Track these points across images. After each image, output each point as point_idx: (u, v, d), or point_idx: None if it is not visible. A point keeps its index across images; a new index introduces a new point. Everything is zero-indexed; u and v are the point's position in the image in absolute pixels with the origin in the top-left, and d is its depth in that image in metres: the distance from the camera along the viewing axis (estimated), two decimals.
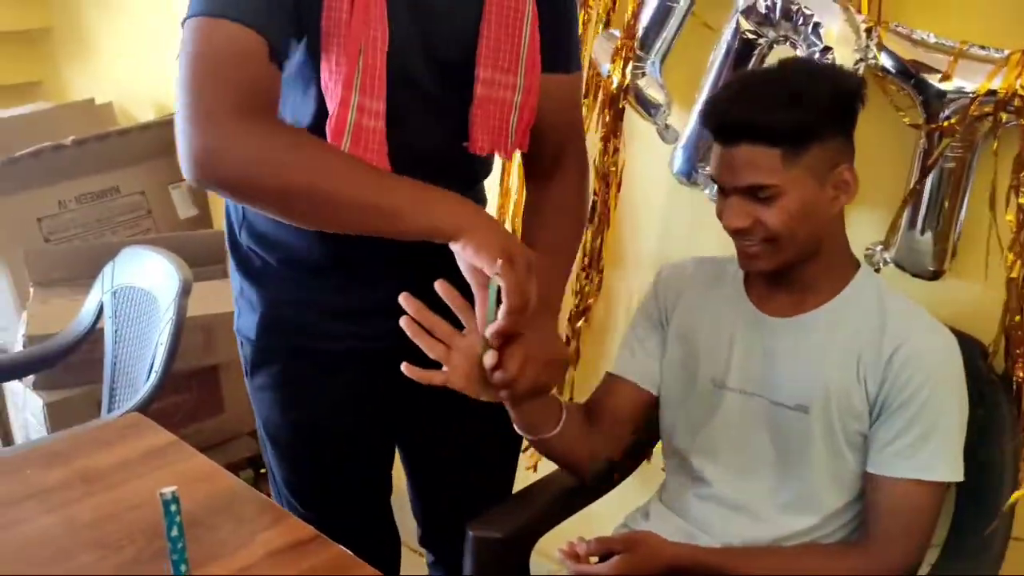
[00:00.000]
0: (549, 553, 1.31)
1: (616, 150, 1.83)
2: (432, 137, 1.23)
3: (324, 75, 1.13)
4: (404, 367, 1.13)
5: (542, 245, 1.27)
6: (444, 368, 1.15)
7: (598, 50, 1.75)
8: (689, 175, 1.66)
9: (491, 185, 1.49)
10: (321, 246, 1.26)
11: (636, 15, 1.65)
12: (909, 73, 1.37)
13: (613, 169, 1.85)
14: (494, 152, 1.26)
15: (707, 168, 1.62)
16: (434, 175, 1.23)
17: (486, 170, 1.40)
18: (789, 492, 1.31)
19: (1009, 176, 1.36)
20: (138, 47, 2.96)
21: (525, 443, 1.62)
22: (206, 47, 1.03)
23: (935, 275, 1.47)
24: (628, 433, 1.43)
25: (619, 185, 1.86)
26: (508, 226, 2.00)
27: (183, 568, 0.98)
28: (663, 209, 1.87)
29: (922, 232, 1.44)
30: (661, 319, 1.42)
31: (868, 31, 1.39)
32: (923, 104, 1.36)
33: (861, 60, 1.38)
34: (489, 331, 1.09)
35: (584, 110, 1.83)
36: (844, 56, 1.37)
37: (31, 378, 2.26)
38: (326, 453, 1.43)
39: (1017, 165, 1.34)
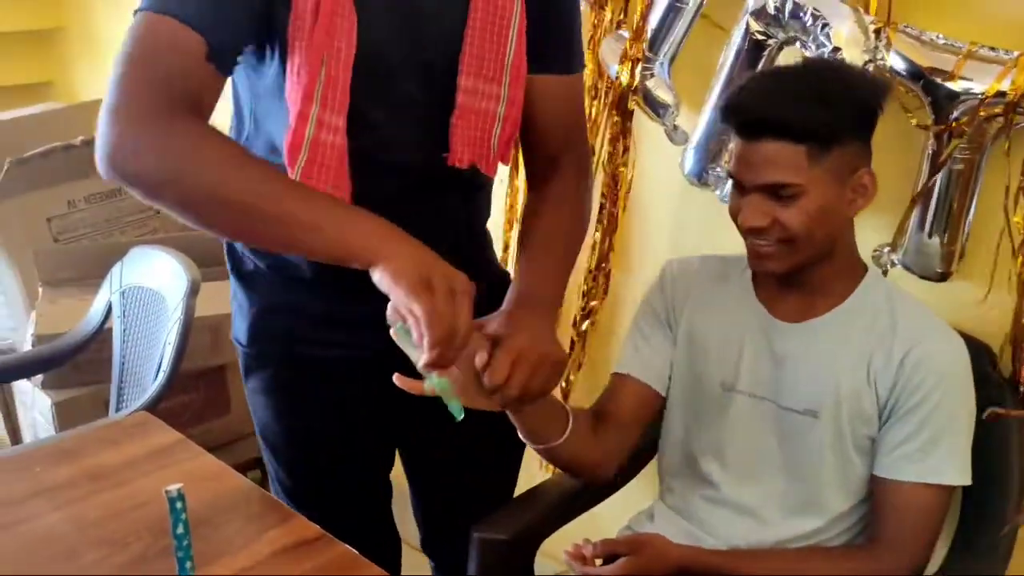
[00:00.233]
0: (553, 554, 1.31)
1: (625, 151, 1.83)
2: (411, 148, 1.20)
3: (287, 85, 1.09)
4: (396, 378, 1.09)
5: (534, 240, 1.24)
6: None
7: (606, 51, 1.75)
8: (700, 176, 1.66)
9: (498, 183, 1.48)
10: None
11: (645, 16, 1.65)
12: (918, 74, 1.36)
13: (622, 170, 1.85)
14: (475, 165, 1.21)
15: (718, 168, 1.62)
16: (416, 188, 1.22)
17: (481, 179, 1.33)
18: (796, 495, 1.31)
19: (1019, 178, 1.36)
20: None
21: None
22: (142, 40, 1.02)
23: (943, 277, 1.46)
24: (637, 435, 1.41)
25: (628, 187, 1.86)
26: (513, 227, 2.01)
27: (188, 565, 0.98)
28: (671, 211, 1.86)
29: (930, 234, 1.44)
30: (668, 317, 1.40)
31: (877, 32, 1.39)
32: (932, 105, 1.36)
33: (870, 61, 1.37)
34: (419, 366, 1.02)
35: (592, 111, 1.84)
36: (853, 57, 1.37)
37: (40, 377, 2.27)
38: (321, 457, 1.42)
39: None
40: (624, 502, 1.54)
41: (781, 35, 1.48)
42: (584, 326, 1.98)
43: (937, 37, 1.36)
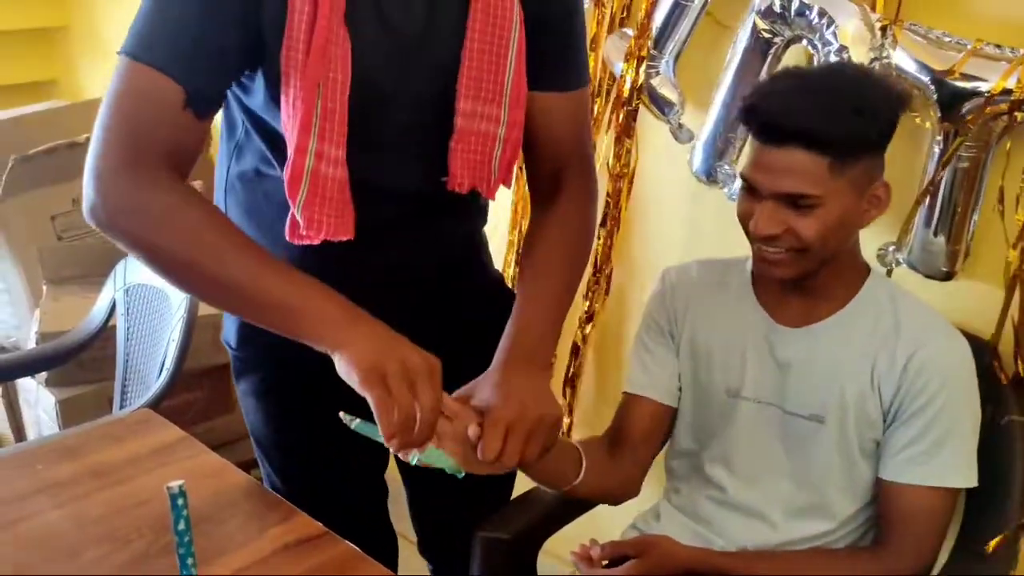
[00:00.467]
0: (557, 554, 1.30)
1: (628, 150, 1.82)
2: (410, 174, 1.18)
3: (283, 116, 1.07)
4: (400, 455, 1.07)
5: (529, 293, 1.21)
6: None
7: (611, 49, 1.75)
8: (709, 174, 1.65)
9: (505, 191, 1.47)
10: (300, 263, 1.15)
11: (649, 14, 1.65)
12: (924, 72, 1.36)
13: (626, 171, 1.84)
14: (475, 188, 1.18)
15: (726, 166, 1.61)
16: (414, 215, 1.20)
17: (480, 201, 1.30)
18: (803, 499, 1.30)
19: (1021, 175, 1.35)
20: None
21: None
22: (122, 91, 1.02)
23: (948, 276, 1.46)
24: (654, 451, 1.40)
25: (631, 186, 1.86)
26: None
27: (190, 562, 0.97)
28: (675, 210, 1.86)
29: (935, 233, 1.43)
30: (670, 328, 1.38)
31: (883, 30, 1.38)
32: (937, 103, 1.35)
33: (876, 59, 1.37)
34: (393, 450, 1.01)
35: (596, 110, 1.83)
36: (859, 55, 1.36)
37: (43, 375, 2.27)
38: (313, 459, 1.40)
39: None
40: (627, 502, 1.53)
41: (787, 33, 1.48)
42: (588, 329, 1.98)
43: (943, 35, 1.36)
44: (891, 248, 1.50)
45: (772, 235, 1.17)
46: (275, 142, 1.14)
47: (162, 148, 1.03)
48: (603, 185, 1.84)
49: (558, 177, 1.26)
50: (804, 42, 1.47)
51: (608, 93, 1.83)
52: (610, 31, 1.78)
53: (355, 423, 1.04)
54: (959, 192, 1.40)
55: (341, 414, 1.05)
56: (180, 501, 0.94)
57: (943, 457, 1.21)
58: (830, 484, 1.28)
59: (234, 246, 1.03)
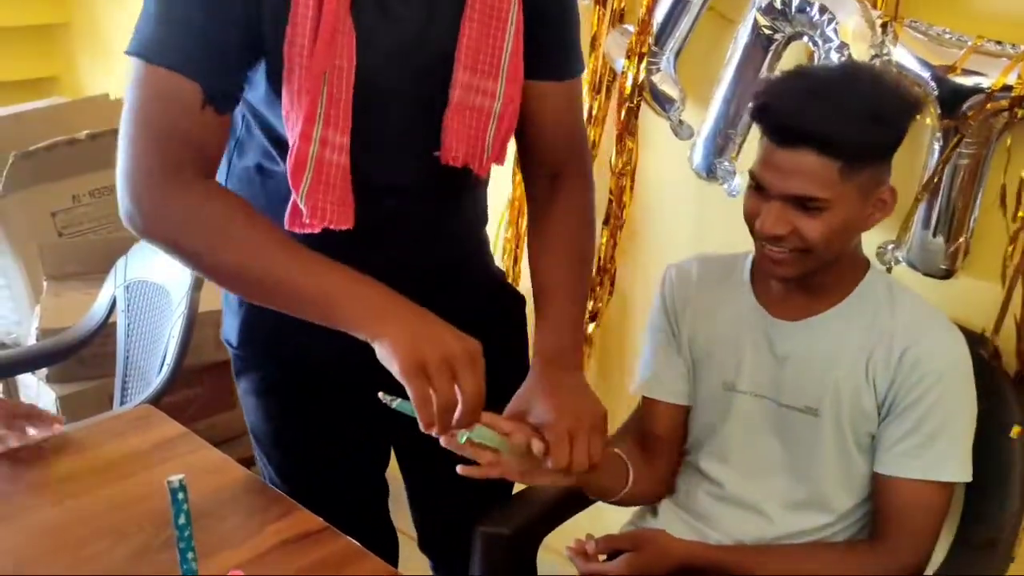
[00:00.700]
0: (557, 550, 1.30)
1: (630, 148, 1.82)
2: (409, 160, 1.18)
3: (285, 104, 1.07)
4: (460, 469, 1.14)
5: (550, 295, 1.24)
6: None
7: (611, 45, 1.75)
8: (709, 170, 1.65)
9: (501, 184, 1.47)
10: None
11: (650, 10, 1.65)
12: (925, 69, 1.36)
13: (628, 168, 1.84)
14: (468, 164, 1.18)
15: (725, 162, 1.61)
16: (412, 210, 1.21)
17: (473, 177, 1.29)
18: (799, 493, 1.30)
19: (1021, 172, 1.35)
20: None
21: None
22: (141, 99, 1.03)
23: (947, 274, 1.45)
24: (681, 448, 1.42)
25: (632, 183, 1.86)
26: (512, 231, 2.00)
27: (190, 556, 0.98)
28: (679, 208, 1.86)
29: (935, 231, 1.43)
30: (672, 329, 1.39)
31: (884, 26, 1.38)
32: (938, 100, 1.35)
33: (876, 56, 1.37)
34: (443, 444, 1.08)
35: (596, 107, 1.83)
36: (859, 51, 1.36)
37: (44, 371, 2.27)
38: (314, 458, 1.40)
39: None
40: None
41: (788, 30, 1.48)
42: (592, 328, 1.98)
43: (944, 32, 1.36)
44: (890, 247, 1.50)
45: (778, 235, 1.17)
46: (277, 137, 1.15)
47: (189, 150, 1.04)
48: (605, 183, 1.84)
49: (557, 168, 1.27)
50: (805, 39, 1.47)
51: (609, 90, 1.83)
52: (611, 28, 1.78)
53: (395, 402, 1.05)
54: (959, 190, 1.39)
55: (380, 394, 1.06)
56: (180, 495, 0.94)
57: (937, 451, 1.21)
58: (826, 478, 1.28)
59: (271, 242, 1.05)
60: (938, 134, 1.39)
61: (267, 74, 1.08)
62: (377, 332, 1.01)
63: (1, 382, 2.54)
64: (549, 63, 1.21)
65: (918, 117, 1.30)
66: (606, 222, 1.88)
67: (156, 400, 1.77)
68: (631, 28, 1.70)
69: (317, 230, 1.11)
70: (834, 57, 1.39)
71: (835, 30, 1.39)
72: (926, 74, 1.35)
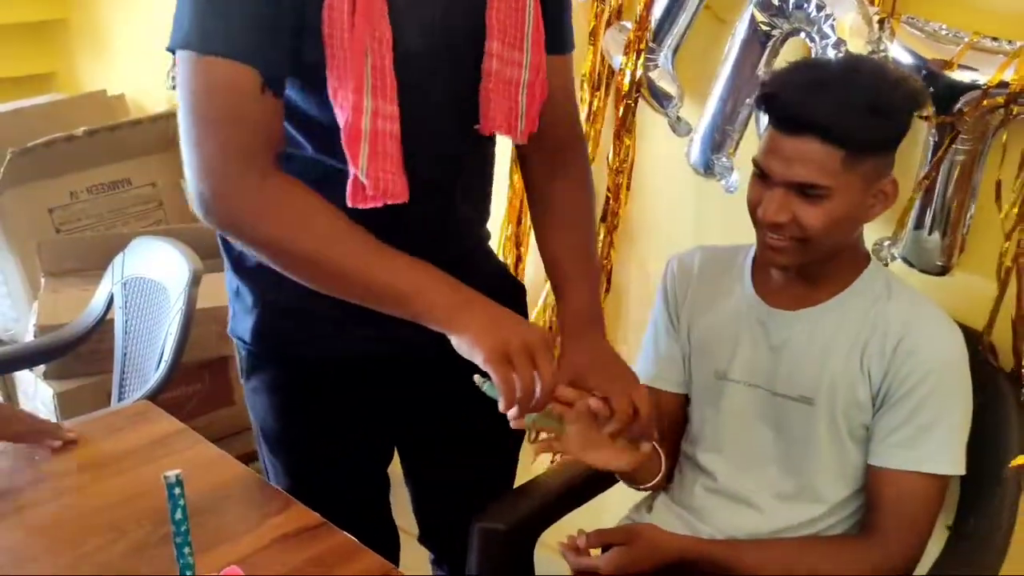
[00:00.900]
0: (554, 547, 1.31)
1: (628, 145, 1.82)
2: (447, 130, 1.20)
3: (332, 83, 1.08)
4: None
5: (571, 259, 1.29)
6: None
7: (609, 42, 1.75)
8: (706, 167, 1.65)
9: (500, 183, 1.48)
10: None
11: (648, 7, 1.65)
12: (921, 65, 1.36)
13: (625, 165, 1.84)
14: (506, 133, 1.21)
15: (723, 159, 1.61)
16: (442, 163, 1.22)
17: (483, 151, 1.34)
18: (793, 484, 1.31)
19: (1017, 168, 1.35)
20: (151, 40, 2.96)
21: (532, 435, 1.61)
22: (200, 93, 1.03)
23: (943, 271, 1.46)
24: (679, 437, 1.45)
25: (629, 179, 1.86)
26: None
27: (187, 551, 0.98)
28: (676, 204, 1.86)
29: (931, 228, 1.43)
30: (672, 319, 1.41)
31: (881, 22, 1.38)
32: (934, 96, 1.35)
33: (873, 52, 1.37)
34: (514, 425, 1.14)
35: (595, 103, 1.83)
36: (856, 48, 1.37)
37: (42, 368, 2.27)
38: (320, 454, 1.40)
39: None
40: (622, 493, 1.54)
41: (785, 26, 1.48)
42: None
43: (940, 28, 1.36)
44: (886, 243, 1.50)
45: (778, 222, 1.18)
46: (301, 121, 1.15)
47: (258, 136, 1.05)
48: (602, 180, 1.84)
49: (559, 142, 1.31)
50: (802, 35, 1.47)
51: (607, 87, 1.83)
52: (609, 24, 1.78)
53: (485, 385, 1.11)
54: (955, 186, 1.40)
55: (476, 377, 1.11)
56: (177, 490, 0.95)
57: (930, 443, 1.21)
58: (820, 468, 1.28)
59: (349, 233, 1.08)
60: (934, 130, 1.39)
61: (302, 54, 1.08)
62: (458, 325, 1.07)
63: None
64: (552, 37, 1.23)
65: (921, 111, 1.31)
66: (603, 219, 1.88)
67: (154, 396, 1.77)
68: (629, 25, 1.70)
69: (380, 204, 1.12)
70: (831, 53, 1.39)
71: (832, 26, 1.39)
72: (922, 70, 1.35)
